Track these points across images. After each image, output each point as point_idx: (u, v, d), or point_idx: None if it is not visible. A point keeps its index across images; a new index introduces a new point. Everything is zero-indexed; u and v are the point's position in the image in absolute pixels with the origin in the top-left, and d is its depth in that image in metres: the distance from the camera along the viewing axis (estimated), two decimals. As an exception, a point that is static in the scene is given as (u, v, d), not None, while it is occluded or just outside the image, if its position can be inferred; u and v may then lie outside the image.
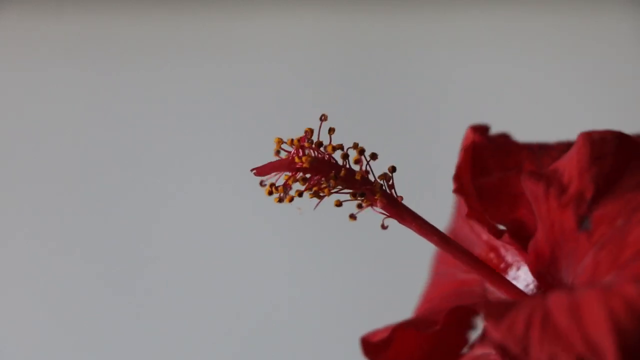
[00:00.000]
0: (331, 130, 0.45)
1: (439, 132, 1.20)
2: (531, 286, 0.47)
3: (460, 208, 0.52)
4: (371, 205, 0.45)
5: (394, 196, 0.45)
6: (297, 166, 0.44)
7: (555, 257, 0.44)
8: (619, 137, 0.44)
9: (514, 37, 1.26)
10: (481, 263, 0.46)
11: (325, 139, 0.45)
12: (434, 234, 0.46)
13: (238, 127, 1.21)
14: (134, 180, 1.19)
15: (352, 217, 0.45)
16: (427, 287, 0.53)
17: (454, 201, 0.53)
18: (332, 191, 0.44)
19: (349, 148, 0.45)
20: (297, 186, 0.44)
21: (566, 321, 0.37)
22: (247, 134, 1.21)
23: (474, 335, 0.49)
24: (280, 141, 0.45)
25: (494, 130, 0.51)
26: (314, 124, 0.45)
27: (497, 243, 0.49)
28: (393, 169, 0.45)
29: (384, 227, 0.45)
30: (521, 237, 0.47)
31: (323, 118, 0.45)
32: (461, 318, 0.49)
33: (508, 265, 0.48)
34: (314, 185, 0.44)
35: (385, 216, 0.45)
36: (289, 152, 0.44)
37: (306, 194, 0.44)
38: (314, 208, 0.45)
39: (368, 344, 0.48)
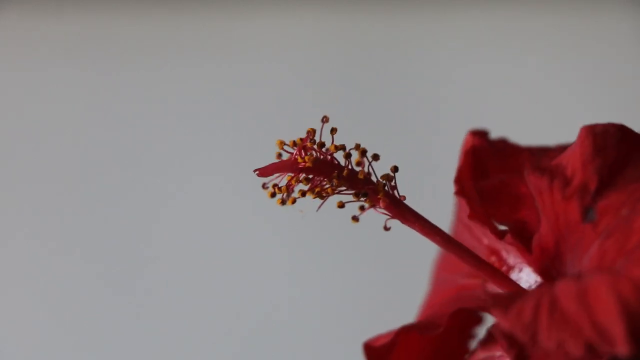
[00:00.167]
0: (333, 131, 0.45)
1: (439, 132, 1.20)
2: (534, 287, 0.47)
3: (460, 213, 0.52)
4: (374, 205, 0.45)
5: (396, 196, 0.45)
6: (300, 166, 0.44)
7: (560, 250, 0.44)
8: (621, 130, 0.44)
9: (514, 37, 1.26)
10: (485, 262, 0.46)
11: (327, 139, 0.45)
12: (436, 234, 0.46)
13: (238, 127, 1.21)
14: (134, 180, 1.19)
15: (355, 219, 0.44)
16: (428, 294, 0.53)
17: (454, 205, 0.53)
18: (335, 191, 0.44)
19: (351, 149, 0.45)
20: (300, 187, 0.44)
21: (574, 307, 0.37)
22: (247, 134, 1.21)
23: (476, 339, 0.49)
24: (282, 143, 0.45)
25: (494, 132, 0.51)
26: (314, 124, 0.45)
27: (498, 246, 0.49)
28: (395, 169, 0.45)
29: (386, 228, 0.45)
30: (523, 237, 0.46)
31: (325, 120, 0.45)
32: (464, 321, 0.49)
33: (510, 268, 0.48)
34: (316, 186, 0.44)
35: (388, 217, 0.45)
36: (291, 153, 0.44)
37: (309, 194, 0.44)
38: (317, 210, 0.45)
39: (371, 349, 0.48)
